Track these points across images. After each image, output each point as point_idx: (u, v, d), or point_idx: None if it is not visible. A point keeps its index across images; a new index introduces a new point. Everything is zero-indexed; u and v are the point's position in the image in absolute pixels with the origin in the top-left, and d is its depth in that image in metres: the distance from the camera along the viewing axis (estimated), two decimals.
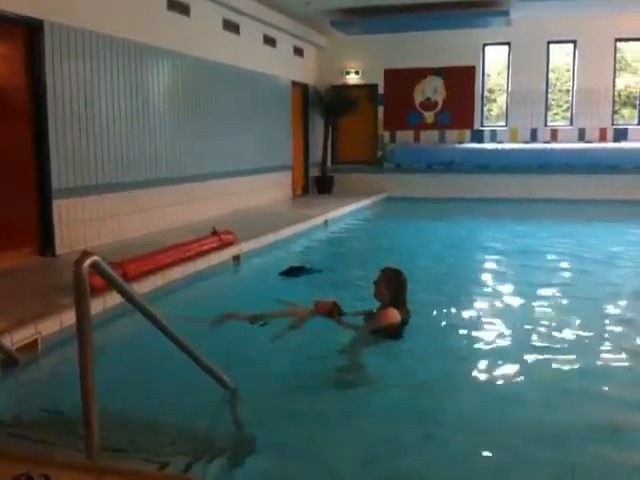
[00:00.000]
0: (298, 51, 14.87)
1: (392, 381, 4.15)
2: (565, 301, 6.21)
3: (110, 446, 2.93)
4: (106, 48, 8.10)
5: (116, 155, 8.38)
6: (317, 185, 15.77)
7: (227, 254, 7.66)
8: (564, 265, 8.13)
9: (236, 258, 7.79)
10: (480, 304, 6.17)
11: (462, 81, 15.42)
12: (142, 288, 5.80)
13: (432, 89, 15.73)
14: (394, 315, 4.81)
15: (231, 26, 11.48)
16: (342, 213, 12.26)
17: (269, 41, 13.16)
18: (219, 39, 11.13)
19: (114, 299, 5.05)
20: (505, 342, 4.95)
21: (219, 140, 11.08)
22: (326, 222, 11.24)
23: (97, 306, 5.00)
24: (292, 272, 7.11)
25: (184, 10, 9.86)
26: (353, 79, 16.11)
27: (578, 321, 5.38)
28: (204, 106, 10.59)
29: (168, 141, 9.61)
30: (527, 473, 3.09)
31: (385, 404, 3.83)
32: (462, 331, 5.21)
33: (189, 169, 10.16)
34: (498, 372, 4.35)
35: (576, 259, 8.32)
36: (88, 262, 2.53)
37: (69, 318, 4.49)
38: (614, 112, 15.13)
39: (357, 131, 16.21)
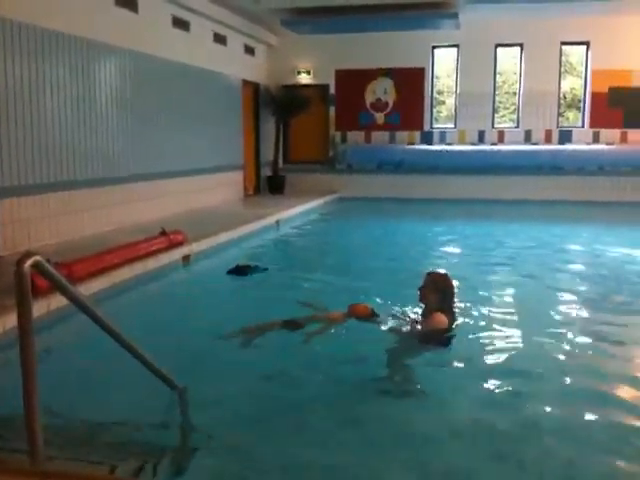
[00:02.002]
0: (249, 50, 14.81)
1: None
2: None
3: (56, 450, 2.88)
4: (52, 44, 7.91)
5: (63, 153, 8.20)
6: (269, 185, 15.73)
7: (177, 254, 7.57)
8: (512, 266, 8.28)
9: (186, 258, 7.71)
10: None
11: (412, 82, 15.58)
12: (89, 289, 5.69)
13: (382, 90, 15.86)
14: (443, 320, 4.72)
15: (181, 23, 11.36)
16: (294, 213, 12.25)
17: (220, 39, 13.07)
18: (169, 36, 11.00)
19: (59, 301, 4.94)
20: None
21: (169, 139, 10.96)
22: (278, 222, 11.22)
23: (41, 308, 4.89)
24: (239, 271, 7.14)
25: (132, 6, 9.71)
26: (304, 79, 16.12)
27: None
28: (154, 104, 10.46)
29: (117, 140, 9.45)
30: None
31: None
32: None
33: (139, 168, 10.01)
34: None
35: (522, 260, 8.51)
36: (30, 262, 2.47)
37: (13, 320, 4.37)
38: (559, 114, 15.51)
39: (309, 131, 16.24)
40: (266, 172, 15.87)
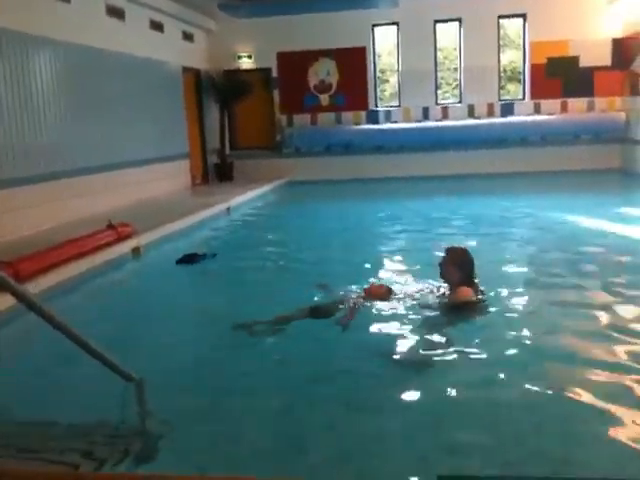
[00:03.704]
0: (187, 36, 14.56)
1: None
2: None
3: (17, 452, 2.81)
4: None
5: (1, 150, 7.95)
6: (217, 172, 15.56)
7: (125, 247, 7.42)
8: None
9: (136, 250, 7.56)
10: (391, 273, 6.29)
11: (354, 62, 15.56)
12: (37, 287, 5.54)
13: (325, 71, 15.79)
14: (469, 293, 4.80)
15: (115, 12, 11.09)
16: (244, 200, 12.15)
17: (156, 26, 12.81)
18: (103, 25, 10.73)
19: (6, 301, 4.80)
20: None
21: (111, 130, 10.73)
22: (228, 209, 11.12)
23: None
24: (187, 259, 7.08)
25: None
26: (246, 63, 15.94)
27: None
28: (93, 96, 10.20)
29: (56, 133, 9.19)
30: None
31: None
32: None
33: (81, 161, 9.77)
34: None
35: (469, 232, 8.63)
36: None
37: None
38: (500, 88, 15.71)
39: (254, 116, 16.09)
40: (213, 160, 15.69)
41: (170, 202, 11.53)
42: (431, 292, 5.18)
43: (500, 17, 15.20)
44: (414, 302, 4.99)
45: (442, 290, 5.09)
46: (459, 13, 15.08)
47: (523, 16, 15.11)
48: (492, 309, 4.84)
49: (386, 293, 5.08)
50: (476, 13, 14.92)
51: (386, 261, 7.03)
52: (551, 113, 15.01)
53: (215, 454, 3.09)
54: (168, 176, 13.17)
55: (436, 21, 15.33)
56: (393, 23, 15.45)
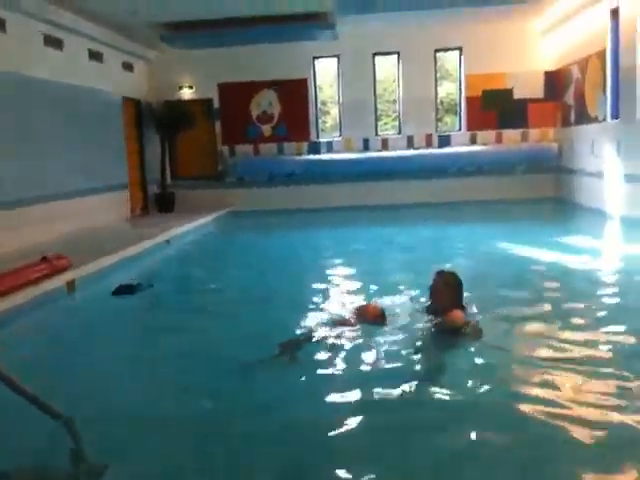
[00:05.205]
0: (128, 66, 14.47)
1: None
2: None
3: None
4: None
5: None
6: (157, 203, 15.39)
7: (60, 280, 7.22)
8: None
9: (70, 284, 7.37)
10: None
11: (295, 94, 15.71)
12: None
13: (267, 102, 15.89)
14: (461, 316, 4.83)
15: (53, 41, 10.97)
16: (184, 230, 12.02)
17: (95, 56, 12.70)
18: (40, 55, 10.60)
19: None
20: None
21: (46, 161, 10.54)
22: (168, 241, 10.97)
23: None
24: (123, 290, 7.00)
25: None
26: (187, 94, 15.91)
27: None
28: (27, 126, 10.01)
29: None
30: None
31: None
32: None
33: (14, 193, 9.54)
34: None
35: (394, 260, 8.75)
36: None
37: None
38: (438, 119, 16.07)
39: (195, 146, 16.02)
40: (154, 190, 15.52)
41: (108, 234, 11.34)
42: (414, 316, 5.19)
43: (437, 50, 15.60)
44: (403, 326, 4.99)
45: (430, 314, 5.09)
46: (397, 47, 15.41)
47: (459, 49, 15.54)
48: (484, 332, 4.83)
49: (380, 316, 5.05)
50: (413, 47, 15.27)
51: (337, 292, 6.97)
52: (486, 144, 15.41)
53: None
54: (107, 207, 12.96)
55: (375, 54, 15.64)
56: (334, 55, 15.70)
